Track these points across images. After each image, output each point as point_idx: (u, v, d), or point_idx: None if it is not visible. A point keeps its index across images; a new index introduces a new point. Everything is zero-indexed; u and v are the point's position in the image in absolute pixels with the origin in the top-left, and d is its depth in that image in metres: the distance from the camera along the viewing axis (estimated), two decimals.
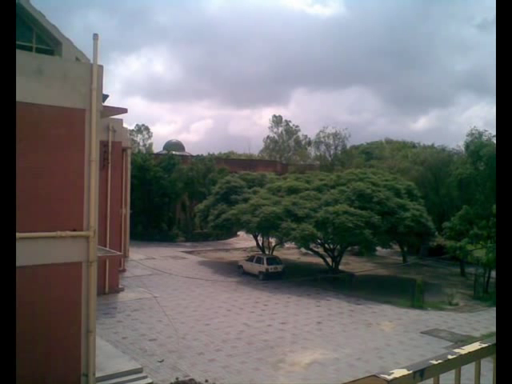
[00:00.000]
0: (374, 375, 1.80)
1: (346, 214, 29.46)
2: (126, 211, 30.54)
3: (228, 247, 49.04)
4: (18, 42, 14.25)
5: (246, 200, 35.17)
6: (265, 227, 32.54)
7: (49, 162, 11.84)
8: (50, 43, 15.83)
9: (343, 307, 26.00)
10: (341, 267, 34.45)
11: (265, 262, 32.90)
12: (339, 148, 61.42)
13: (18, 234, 9.71)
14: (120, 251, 24.88)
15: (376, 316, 24.44)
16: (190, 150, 66.60)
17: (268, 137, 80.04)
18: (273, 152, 79.76)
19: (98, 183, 12.38)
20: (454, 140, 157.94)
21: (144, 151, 67.45)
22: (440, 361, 2.01)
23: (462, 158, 41.19)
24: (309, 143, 73.22)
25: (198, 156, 56.88)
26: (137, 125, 76.75)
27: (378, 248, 34.74)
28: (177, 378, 15.72)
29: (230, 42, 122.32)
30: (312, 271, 34.18)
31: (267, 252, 38.98)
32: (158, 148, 70.91)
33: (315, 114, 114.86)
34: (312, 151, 67.97)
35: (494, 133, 35.01)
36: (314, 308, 25.63)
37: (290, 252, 42.61)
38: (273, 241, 40.17)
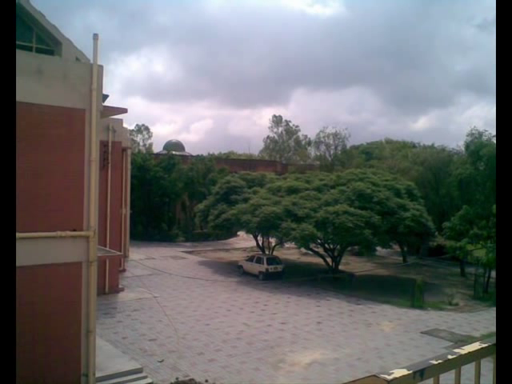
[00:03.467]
0: (374, 375, 1.80)
1: (346, 214, 29.46)
2: (126, 211, 30.54)
3: (228, 247, 49.01)
4: (18, 42, 14.25)
5: (246, 200, 35.15)
6: (265, 227, 32.54)
7: (49, 162, 11.84)
8: (50, 43, 15.83)
9: (343, 307, 26.00)
10: (341, 267, 34.44)
11: (265, 262, 32.88)
12: (339, 148, 61.43)
13: (18, 234, 9.71)
14: (120, 251, 24.88)
15: (376, 316, 24.44)
16: (190, 150, 66.76)
17: (268, 137, 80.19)
18: (273, 152, 79.76)
19: (98, 183, 12.39)
20: (454, 140, 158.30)
21: (144, 151, 67.44)
22: (440, 361, 2.01)
23: (462, 158, 41.21)
24: (309, 143, 73.22)
25: (198, 156, 56.87)
26: (137, 125, 76.94)
27: (378, 248, 34.73)
28: (177, 378, 15.72)
29: (230, 42, 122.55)
30: (312, 271, 34.17)
31: (267, 252, 38.95)
32: (157, 148, 71.06)
33: (315, 113, 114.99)
34: (312, 151, 68.01)
35: (494, 133, 35.02)
36: (313, 308, 25.62)
37: (290, 252, 42.59)
38: (273, 241, 40.15)
